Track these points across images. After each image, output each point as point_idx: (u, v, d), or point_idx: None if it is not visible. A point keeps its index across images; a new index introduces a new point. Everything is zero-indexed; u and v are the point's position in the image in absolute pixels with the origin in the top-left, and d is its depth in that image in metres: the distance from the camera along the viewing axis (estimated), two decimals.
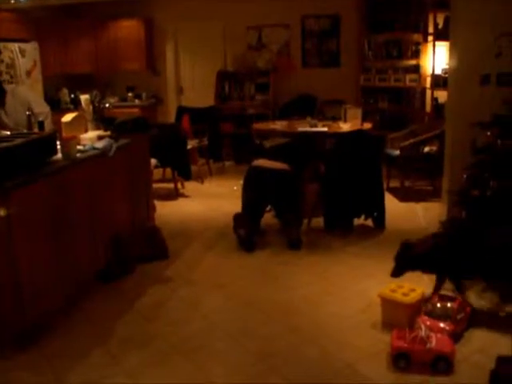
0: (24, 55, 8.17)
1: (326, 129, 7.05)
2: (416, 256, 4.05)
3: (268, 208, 6.12)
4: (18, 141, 4.02)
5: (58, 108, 9.03)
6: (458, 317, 3.69)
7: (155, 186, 7.01)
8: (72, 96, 9.47)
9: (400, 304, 3.84)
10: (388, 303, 3.92)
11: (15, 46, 8.00)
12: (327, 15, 9.60)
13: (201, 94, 10.24)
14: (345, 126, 7.10)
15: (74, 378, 3.44)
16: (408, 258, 4.05)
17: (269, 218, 6.15)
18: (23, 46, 8.16)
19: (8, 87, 6.18)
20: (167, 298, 4.51)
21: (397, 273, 4.06)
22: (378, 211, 5.99)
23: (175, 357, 3.63)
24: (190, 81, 10.63)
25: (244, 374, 3.44)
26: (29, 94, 6.49)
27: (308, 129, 7.05)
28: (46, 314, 4.02)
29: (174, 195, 7.68)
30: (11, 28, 8.24)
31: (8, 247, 3.62)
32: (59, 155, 4.37)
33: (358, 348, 3.65)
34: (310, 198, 6.14)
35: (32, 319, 3.84)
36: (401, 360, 3.37)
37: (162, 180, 8.13)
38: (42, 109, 6.23)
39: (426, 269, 4.12)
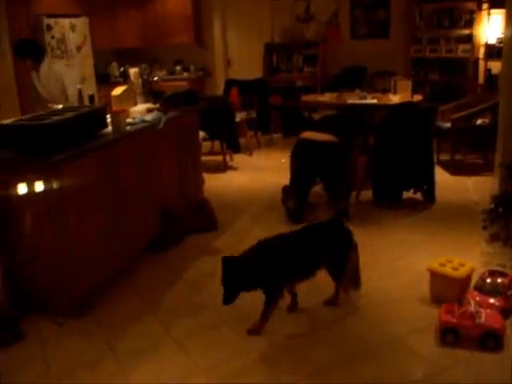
0: (74, 30, 8.25)
1: (375, 101, 6.96)
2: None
3: (316, 180, 6.09)
4: (70, 114, 4.10)
5: (107, 82, 9.13)
6: (509, 293, 3.63)
7: (204, 158, 7.06)
8: (121, 70, 9.55)
9: (450, 278, 3.79)
10: (437, 277, 3.87)
11: (66, 22, 8.08)
12: None
13: (249, 67, 10.19)
14: (394, 98, 6.98)
15: (124, 346, 3.55)
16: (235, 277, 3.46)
17: (317, 190, 6.12)
18: (74, 21, 8.24)
19: (46, 61, 6.15)
20: (215, 270, 4.54)
21: (227, 298, 3.42)
22: (427, 184, 5.90)
23: (222, 327, 3.69)
24: (238, 53, 10.58)
25: (291, 344, 3.48)
26: (64, 73, 6.52)
27: (357, 101, 6.99)
28: (97, 284, 4.13)
29: (222, 168, 7.72)
30: (62, 4, 8.33)
31: (60, 219, 3.72)
32: (109, 128, 4.44)
33: (406, 321, 3.63)
34: (358, 171, 6.09)
35: (83, 288, 3.96)
36: (449, 335, 3.35)
37: (211, 153, 8.17)
38: (71, 91, 6.20)
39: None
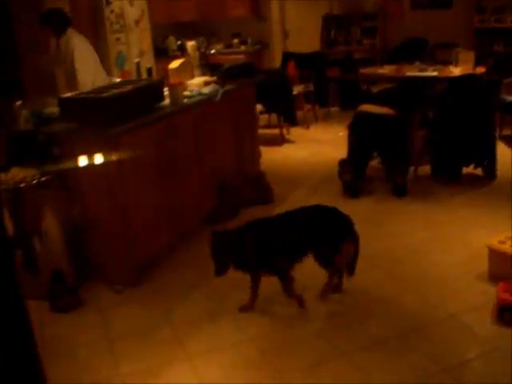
0: (132, 4, 8.31)
1: (435, 73, 6.81)
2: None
3: (374, 154, 6.02)
4: (128, 87, 4.16)
5: (165, 56, 9.19)
6: None
7: (261, 131, 7.06)
8: (179, 43, 9.60)
9: (509, 256, 3.70)
10: (496, 255, 3.79)
11: None
12: None
13: (306, 39, 10.08)
14: (456, 71, 6.81)
15: (179, 313, 3.65)
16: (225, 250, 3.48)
17: (375, 164, 6.06)
18: None
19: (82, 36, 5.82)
20: None
21: (217, 271, 3.45)
22: (488, 160, 5.74)
23: (278, 298, 3.71)
24: (296, 26, 10.47)
25: (344, 320, 3.49)
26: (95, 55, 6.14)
27: (417, 73, 6.84)
28: (155, 253, 4.22)
29: (279, 141, 7.71)
30: None
31: (119, 190, 3.80)
32: (167, 101, 4.48)
33: (462, 299, 3.58)
34: (417, 145, 5.98)
35: (142, 258, 4.05)
36: (506, 313, 3.28)
37: (268, 126, 8.17)
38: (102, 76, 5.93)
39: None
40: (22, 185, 3.67)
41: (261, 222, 3.63)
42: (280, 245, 3.54)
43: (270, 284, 3.63)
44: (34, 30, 6.07)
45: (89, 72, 5.64)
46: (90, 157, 3.77)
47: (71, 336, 3.49)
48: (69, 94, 4.12)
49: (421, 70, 6.92)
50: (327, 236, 3.59)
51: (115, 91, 3.99)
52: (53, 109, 4.08)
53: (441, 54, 8.53)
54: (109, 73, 7.70)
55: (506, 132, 7.03)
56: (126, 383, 3.04)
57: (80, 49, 5.63)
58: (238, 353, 3.22)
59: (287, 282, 3.56)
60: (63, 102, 3.97)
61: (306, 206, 3.75)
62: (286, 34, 10.55)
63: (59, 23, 5.63)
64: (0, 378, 1.31)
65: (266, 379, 2.98)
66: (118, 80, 5.11)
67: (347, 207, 5.13)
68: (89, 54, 5.83)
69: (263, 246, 3.51)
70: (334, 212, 3.70)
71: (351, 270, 3.69)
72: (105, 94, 3.89)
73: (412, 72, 6.90)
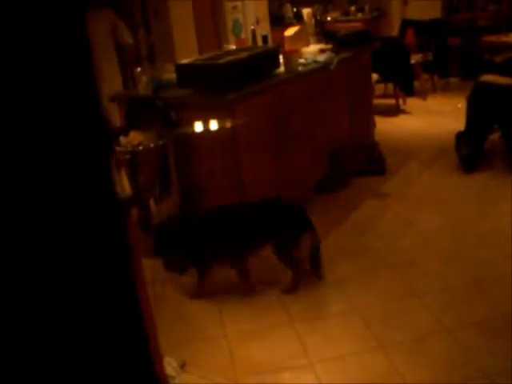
0: None
1: None
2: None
3: (494, 127, 5.75)
4: (243, 54, 4.20)
5: (281, 23, 9.17)
6: None
7: (376, 101, 6.93)
8: (294, 10, 9.55)
9: None
10: None
11: None
12: None
13: (427, 5, 9.71)
14: None
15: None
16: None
17: (494, 138, 5.79)
18: None
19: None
20: (382, 213, 4.53)
21: (166, 265, 3.48)
22: None
23: (385, 270, 3.67)
24: None
25: (450, 294, 3.39)
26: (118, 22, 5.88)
27: None
28: None
29: (395, 111, 7.54)
30: None
31: (234, 156, 3.87)
32: (282, 68, 4.49)
33: None
34: None
35: None
36: None
37: (384, 95, 7.99)
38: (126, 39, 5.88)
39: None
40: (139, 148, 3.83)
41: (208, 212, 3.57)
42: (223, 236, 3.45)
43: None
44: None
45: None
46: (206, 122, 3.86)
47: (180, 295, 3.62)
48: (185, 61, 4.21)
49: None
50: (285, 229, 3.46)
51: (231, 58, 4.05)
52: (171, 75, 4.20)
53: None
54: (226, 40, 7.82)
55: None
56: (231, 343, 3.12)
57: None
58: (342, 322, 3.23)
59: (241, 273, 3.52)
60: (180, 69, 4.07)
61: (265, 197, 3.64)
62: (405, 1, 10.23)
63: None
64: (108, 340, 1.38)
65: (368, 351, 2.97)
66: (234, 47, 5.16)
67: (462, 181, 5.03)
68: None
69: (208, 237, 3.44)
70: (289, 206, 3.60)
71: (318, 272, 3.59)
72: (220, 61, 3.96)
73: None
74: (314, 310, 3.37)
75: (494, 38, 7.22)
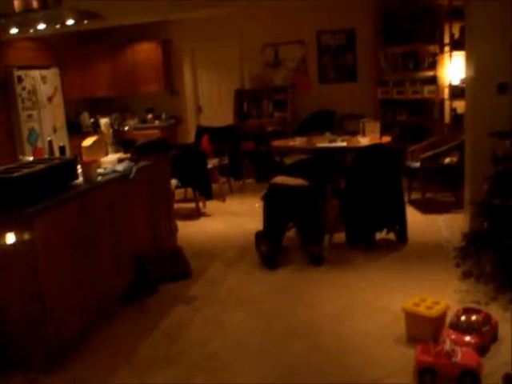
0: (45, 81, 8.31)
1: (344, 144, 7.03)
2: None
3: (290, 225, 6.11)
4: (40, 166, 4.09)
5: (79, 132, 9.15)
6: (484, 330, 3.65)
7: (177, 206, 7.06)
8: (92, 120, 9.59)
9: (424, 318, 3.80)
10: (412, 317, 3.89)
11: (36, 73, 8.14)
12: (342, 30, 9.61)
13: (220, 113, 10.32)
14: (363, 140, 7.08)
15: None
16: None
17: (290, 234, 6.15)
18: (44, 72, 8.31)
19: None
20: (191, 318, 4.52)
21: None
22: (399, 224, 5.95)
23: (200, 377, 3.63)
24: (209, 100, 10.71)
25: None
26: None
27: (327, 144, 7.03)
28: (71, 337, 4.06)
29: (195, 215, 7.70)
30: (32, 56, 8.40)
31: (32, 271, 3.67)
32: (80, 179, 4.43)
33: (383, 364, 3.62)
34: (331, 214, 6.13)
35: (57, 342, 3.88)
36: (426, 375, 3.33)
37: (184, 200, 8.16)
38: None
39: None
40: None
41: None
42: None
43: None
44: None
45: None
46: (1, 237, 3.64)
47: None
48: None
49: (330, 141, 7.08)
50: None
51: (26, 170, 3.92)
52: None
53: (349, 124, 8.94)
54: (21, 151, 7.61)
55: (415, 196, 7.34)
56: None
57: None
58: None
59: None
60: None
61: None
62: (199, 109, 10.74)
63: None
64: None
65: None
66: (31, 159, 5.02)
67: (265, 278, 5.23)
68: None
69: None
70: None
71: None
72: (15, 174, 3.81)
73: (322, 143, 7.06)
74: None
75: (282, 143, 7.73)
